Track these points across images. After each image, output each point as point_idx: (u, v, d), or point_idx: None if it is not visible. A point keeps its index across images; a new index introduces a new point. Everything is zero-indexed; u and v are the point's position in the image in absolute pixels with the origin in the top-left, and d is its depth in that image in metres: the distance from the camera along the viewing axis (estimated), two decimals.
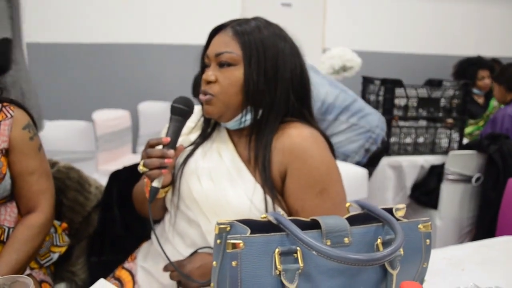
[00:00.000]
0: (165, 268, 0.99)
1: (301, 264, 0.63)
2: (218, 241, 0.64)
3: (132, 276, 1.10)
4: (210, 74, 0.96)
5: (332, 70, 2.79)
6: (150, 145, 0.94)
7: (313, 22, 4.20)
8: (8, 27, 1.56)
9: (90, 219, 1.33)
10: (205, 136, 1.07)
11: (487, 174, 2.31)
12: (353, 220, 0.69)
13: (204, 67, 1.01)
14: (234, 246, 0.61)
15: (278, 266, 0.63)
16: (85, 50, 3.50)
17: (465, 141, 2.65)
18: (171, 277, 0.98)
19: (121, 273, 1.12)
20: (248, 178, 0.96)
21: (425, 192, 2.47)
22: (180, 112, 0.95)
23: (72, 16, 3.41)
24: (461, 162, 2.32)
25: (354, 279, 0.67)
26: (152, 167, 0.91)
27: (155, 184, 0.93)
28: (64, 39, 3.43)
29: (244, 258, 0.62)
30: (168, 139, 0.93)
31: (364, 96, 2.64)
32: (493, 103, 3.13)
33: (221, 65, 0.96)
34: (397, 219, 0.71)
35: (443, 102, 2.50)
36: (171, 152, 0.92)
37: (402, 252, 0.68)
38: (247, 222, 0.65)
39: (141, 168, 0.93)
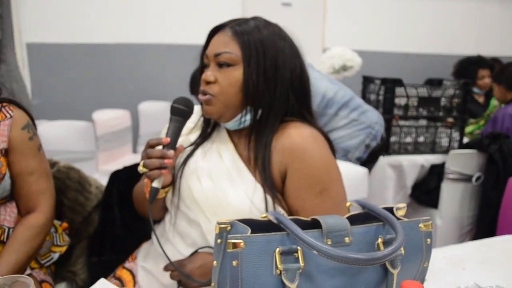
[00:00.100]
0: (166, 268, 0.99)
1: (301, 263, 0.63)
2: (219, 240, 0.64)
3: (133, 276, 1.10)
4: (209, 74, 0.96)
5: (332, 70, 2.79)
6: (150, 146, 0.94)
7: (313, 22, 4.20)
8: None
9: (90, 219, 1.33)
10: (205, 136, 1.07)
11: (487, 173, 2.31)
12: (354, 220, 0.69)
13: (203, 67, 1.01)
14: (235, 245, 0.61)
15: (279, 266, 0.63)
16: (85, 50, 3.50)
17: (466, 140, 2.65)
18: (172, 277, 0.98)
19: (121, 273, 1.12)
20: (248, 178, 0.95)
21: (425, 192, 2.47)
22: (180, 113, 0.95)
23: (72, 16, 3.41)
24: (462, 162, 2.32)
25: (354, 279, 0.67)
26: (152, 168, 0.91)
27: (155, 184, 0.93)
28: (64, 39, 3.43)
29: (244, 258, 0.62)
30: (168, 139, 0.93)
31: (364, 95, 2.63)
32: (494, 102, 3.12)
33: (221, 65, 0.96)
34: (398, 219, 0.71)
35: (443, 101, 2.50)
36: (171, 152, 0.92)
37: (403, 252, 0.68)
38: (247, 222, 0.64)
39: (141, 168, 0.93)
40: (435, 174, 2.45)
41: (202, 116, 1.09)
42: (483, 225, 2.32)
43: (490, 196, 2.27)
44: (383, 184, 2.43)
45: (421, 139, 2.51)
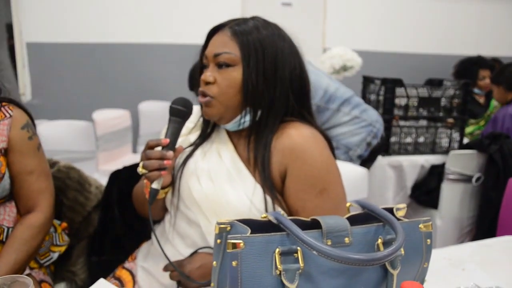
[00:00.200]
0: (165, 268, 0.99)
1: (301, 264, 0.63)
2: (218, 241, 0.64)
3: (133, 276, 1.10)
4: (208, 75, 0.96)
5: (332, 70, 2.80)
6: (149, 147, 0.94)
7: (313, 22, 4.20)
8: None
9: (90, 219, 1.33)
10: (204, 136, 1.07)
11: (487, 173, 2.31)
12: (354, 220, 0.69)
13: (202, 67, 1.01)
14: (235, 246, 0.61)
15: (279, 266, 0.62)
16: (85, 50, 3.50)
17: (466, 140, 2.65)
18: (171, 277, 0.98)
19: (121, 273, 1.12)
20: (248, 178, 0.95)
21: (425, 192, 2.47)
22: (179, 113, 0.95)
23: (72, 16, 3.42)
24: (462, 162, 2.32)
25: (354, 279, 0.66)
26: (151, 169, 0.91)
27: (155, 185, 0.93)
28: (64, 39, 3.43)
29: (244, 258, 0.62)
30: (167, 140, 0.93)
31: (364, 95, 2.63)
32: (494, 102, 3.12)
33: (220, 65, 0.95)
34: (398, 219, 0.71)
35: (443, 101, 2.50)
36: (170, 153, 0.92)
37: (402, 252, 0.68)
38: (247, 222, 0.64)
39: (140, 170, 0.92)
40: (435, 174, 2.44)
41: (201, 117, 1.09)
42: (483, 225, 2.32)
43: (490, 196, 2.27)
44: (383, 184, 2.43)
45: (421, 139, 2.51)
